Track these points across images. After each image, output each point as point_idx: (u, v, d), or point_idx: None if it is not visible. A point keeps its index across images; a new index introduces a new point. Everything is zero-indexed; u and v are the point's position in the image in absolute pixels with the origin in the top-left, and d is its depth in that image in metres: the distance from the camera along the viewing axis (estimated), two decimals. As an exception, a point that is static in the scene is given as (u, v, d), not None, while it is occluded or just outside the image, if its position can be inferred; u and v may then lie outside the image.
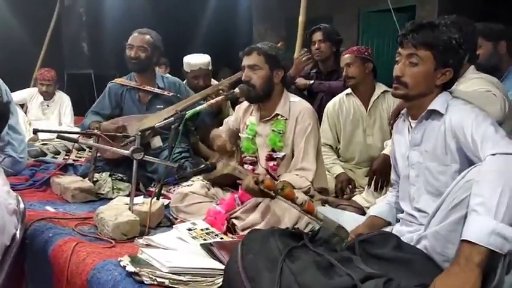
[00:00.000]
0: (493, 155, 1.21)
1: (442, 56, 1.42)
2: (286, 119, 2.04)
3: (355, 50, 2.56)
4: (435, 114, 1.46)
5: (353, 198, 2.32)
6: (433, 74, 1.44)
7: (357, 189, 2.45)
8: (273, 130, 2.05)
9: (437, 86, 1.46)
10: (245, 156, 2.14)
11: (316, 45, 3.06)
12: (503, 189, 1.12)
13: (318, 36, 3.07)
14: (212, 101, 2.39)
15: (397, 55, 1.50)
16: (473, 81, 1.78)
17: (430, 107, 1.46)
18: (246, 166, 2.13)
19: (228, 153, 2.18)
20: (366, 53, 2.52)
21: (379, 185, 2.15)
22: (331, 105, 2.66)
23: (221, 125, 2.44)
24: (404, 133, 1.57)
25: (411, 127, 1.54)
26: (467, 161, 1.35)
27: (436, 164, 1.44)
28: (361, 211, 2.10)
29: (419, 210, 1.49)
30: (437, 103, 1.45)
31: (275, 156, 2.04)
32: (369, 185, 2.22)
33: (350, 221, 1.73)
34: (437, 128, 1.44)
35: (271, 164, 2.06)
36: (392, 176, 1.70)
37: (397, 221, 1.61)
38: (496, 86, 1.76)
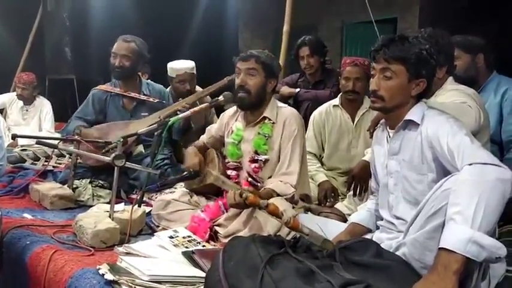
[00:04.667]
0: (470, 164, 1.24)
1: (415, 67, 1.46)
2: (273, 123, 2.06)
3: (363, 64, 2.44)
4: (411, 124, 1.49)
5: (335, 206, 2.34)
6: (408, 85, 1.48)
7: (339, 197, 2.47)
8: (259, 133, 2.05)
9: (413, 96, 1.50)
10: (229, 162, 2.14)
11: (305, 61, 3.11)
12: (480, 198, 1.15)
13: (305, 51, 3.11)
14: (196, 108, 2.39)
15: (371, 69, 1.54)
16: (450, 93, 1.82)
17: (407, 117, 1.49)
18: (229, 172, 2.12)
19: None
20: (369, 69, 2.41)
21: (358, 190, 2.17)
22: (317, 114, 2.67)
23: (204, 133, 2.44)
24: (383, 143, 1.60)
25: (389, 137, 1.57)
26: (443, 171, 1.38)
27: (413, 173, 1.47)
28: (343, 218, 2.11)
29: (398, 218, 1.51)
30: (413, 113, 1.49)
31: (257, 159, 2.05)
32: (348, 189, 2.24)
33: (333, 229, 1.74)
34: (414, 138, 1.48)
35: (253, 166, 2.06)
36: (372, 184, 1.73)
37: (377, 228, 1.64)
38: (473, 97, 1.81)
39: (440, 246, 1.15)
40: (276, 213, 1.57)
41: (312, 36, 3.22)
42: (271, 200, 1.80)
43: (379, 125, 1.70)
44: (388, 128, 1.59)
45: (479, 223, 1.13)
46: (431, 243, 1.23)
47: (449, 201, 1.19)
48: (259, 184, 2.04)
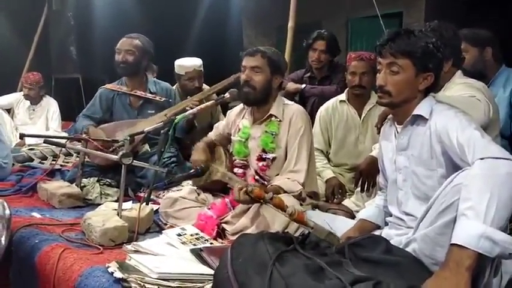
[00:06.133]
0: (481, 159, 1.22)
1: (421, 61, 1.45)
2: (280, 121, 2.05)
3: (369, 58, 2.41)
4: (420, 119, 1.48)
5: (342, 202, 2.32)
6: (415, 79, 1.46)
7: (346, 193, 2.45)
8: (266, 131, 2.05)
9: (420, 90, 1.48)
10: (236, 160, 2.14)
11: (317, 55, 3.07)
12: (492, 193, 1.14)
13: (321, 45, 3.07)
14: (202, 106, 2.39)
15: (378, 64, 1.52)
16: (459, 87, 1.80)
17: (415, 112, 1.48)
18: (236, 170, 2.12)
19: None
20: (375, 63, 2.44)
21: (366, 186, 2.16)
22: (323, 110, 2.65)
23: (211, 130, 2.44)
24: (391, 138, 1.59)
25: (397, 132, 1.56)
26: (453, 166, 1.36)
27: (422, 168, 1.46)
28: (351, 215, 2.10)
29: (407, 214, 1.50)
30: (422, 108, 1.47)
31: (265, 157, 2.04)
32: (356, 185, 2.23)
33: (341, 225, 1.73)
34: (422, 133, 1.46)
35: (260, 164, 2.05)
36: (381, 180, 1.71)
37: (386, 224, 1.63)
38: (482, 91, 1.79)
39: (452, 242, 1.14)
40: (281, 206, 1.56)
41: (329, 33, 3.18)
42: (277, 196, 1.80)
43: (386, 120, 1.68)
44: (396, 123, 1.57)
45: (491, 218, 1.11)
46: (442, 239, 1.22)
47: (461, 197, 1.17)
48: (266, 183, 2.03)
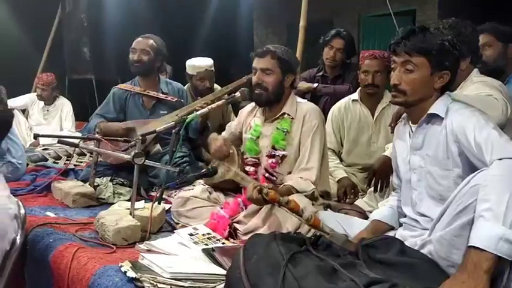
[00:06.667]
0: (500, 159, 1.20)
1: (437, 59, 1.42)
2: (292, 118, 2.04)
3: (382, 57, 2.39)
4: (435, 118, 1.45)
5: (355, 203, 2.30)
6: (430, 78, 1.43)
7: (358, 194, 2.43)
8: (277, 128, 2.04)
9: (436, 89, 1.46)
10: (247, 158, 2.13)
11: (333, 53, 3.05)
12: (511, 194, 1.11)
13: (339, 44, 3.04)
14: (213, 105, 2.39)
15: (392, 63, 1.49)
16: (476, 85, 1.76)
17: (430, 111, 1.45)
18: (248, 168, 2.11)
19: (224, 157, 2.15)
20: (388, 62, 2.31)
21: (379, 186, 2.13)
22: (336, 109, 2.63)
23: (223, 130, 2.44)
24: (405, 137, 1.56)
25: (412, 131, 1.53)
26: (469, 166, 1.34)
27: (437, 168, 1.43)
28: (363, 215, 2.08)
29: (422, 215, 1.48)
30: (437, 107, 1.44)
31: (274, 154, 2.03)
32: (369, 185, 2.20)
33: (354, 226, 1.71)
34: (438, 132, 1.43)
35: (270, 161, 2.04)
36: (395, 180, 1.69)
37: (400, 225, 1.60)
38: (499, 89, 1.75)
39: (469, 245, 1.11)
40: (296, 211, 1.55)
41: (348, 33, 3.14)
42: (290, 197, 1.79)
43: (400, 119, 1.66)
44: (410, 122, 1.55)
45: (511, 220, 1.09)
46: (459, 241, 1.19)
47: (479, 198, 1.15)
48: (275, 179, 2.02)
